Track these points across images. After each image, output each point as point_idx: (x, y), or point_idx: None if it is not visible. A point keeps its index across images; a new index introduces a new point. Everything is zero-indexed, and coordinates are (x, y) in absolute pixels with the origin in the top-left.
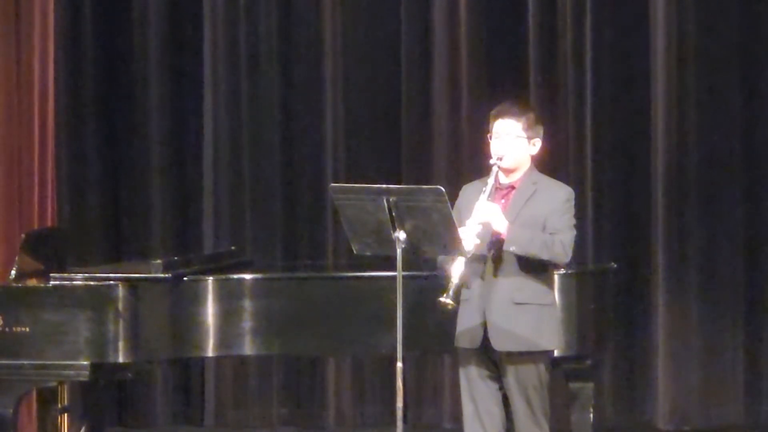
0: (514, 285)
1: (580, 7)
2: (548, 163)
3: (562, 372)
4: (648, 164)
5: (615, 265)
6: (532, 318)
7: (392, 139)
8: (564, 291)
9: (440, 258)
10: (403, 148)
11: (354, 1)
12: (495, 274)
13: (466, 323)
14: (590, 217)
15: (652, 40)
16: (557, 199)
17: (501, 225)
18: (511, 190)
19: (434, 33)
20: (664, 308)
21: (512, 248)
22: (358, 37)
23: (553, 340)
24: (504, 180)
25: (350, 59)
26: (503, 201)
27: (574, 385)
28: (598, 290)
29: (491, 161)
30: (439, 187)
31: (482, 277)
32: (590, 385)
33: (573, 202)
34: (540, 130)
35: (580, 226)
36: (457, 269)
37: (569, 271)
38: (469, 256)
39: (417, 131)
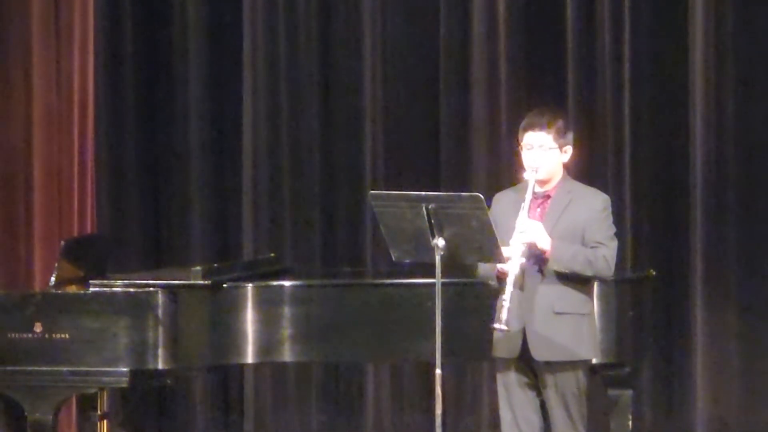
0: (554, 295)
1: (618, 18)
2: (587, 171)
3: (601, 379)
4: (687, 171)
5: (654, 273)
6: (572, 327)
7: (431, 147)
8: (603, 298)
9: (482, 269)
10: (441, 155)
11: (394, 9)
12: (536, 285)
13: (506, 334)
14: (629, 224)
15: (690, 49)
16: (594, 207)
17: (545, 243)
18: (546, 199)
19: (473, 42)
20: (702, 315)
21: (555, 266)
22: (398, 45)
23: (591, 349)
24: (538, 189)
25: (390, 66)
26: (539, 210)
27: (613, 393)
28: (637, 298)
29: (525, 175)
30: (477, 194)
31: (521, 287)
32: (629, 393)
33: (610, 209)
34: (570, 135)
35: (618, 234)
36: (507, 292)
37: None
38: (506, 263)
39: (456, 138)
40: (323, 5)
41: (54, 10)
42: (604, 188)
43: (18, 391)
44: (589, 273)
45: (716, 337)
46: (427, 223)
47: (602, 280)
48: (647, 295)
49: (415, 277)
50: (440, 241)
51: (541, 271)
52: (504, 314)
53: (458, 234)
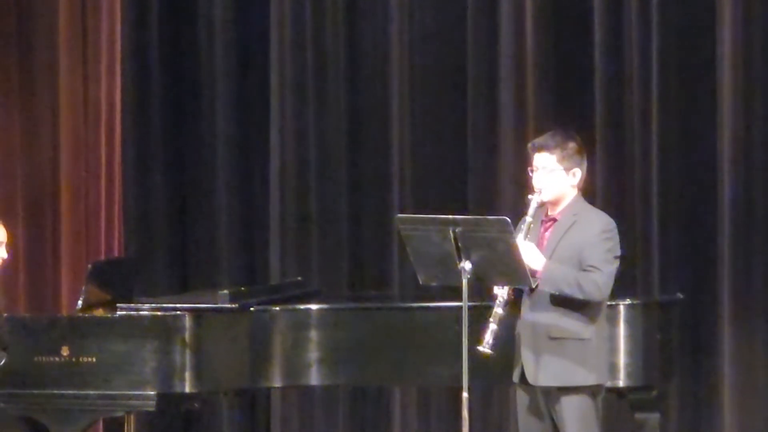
0: (550, 320)
1: (645, 38)
2: (615, 194)
3: (627, 402)
4: (714, 195)
5: (681, 296)
6: (569, 352)
7: (458, 170)
8: (630, 321)
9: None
10: (468, 178)
11: (421, 32)
12: (532, 308)
13: (516, 357)
14: (656, 247)
15: (719, 71)
16: (592, 231)
17: (537, 263)
18: (553, 222)
19: (500, 65)
20: (730, 339)
21: (545, 288)
22: (425, 67)
23: (591, 375)
24: (550, 212)
25: (417, 89)
26: (546, 234)
27: (639, 416)
28: (664, 321)
29: (529, 196)
30: (504, 217)
31: (521, 313)
32: (656, 416)
33: (611, 234)
34: (580, 159)
35: (646, 259)
36: (494, 314)
37: (636, 302)
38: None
39: (483, 161)
40: (350, 32)
41: (81, 34)
42: (631, 211)
43: (45, 414)
44: (579, 296)
45: (744, 360)
46: (454, 247)
47: (596, 304)
48: (675, 318)
49: (442, 301)
50: (467, 265)
51: (535, 294)
52: (488, 336)
53: (485, 257)
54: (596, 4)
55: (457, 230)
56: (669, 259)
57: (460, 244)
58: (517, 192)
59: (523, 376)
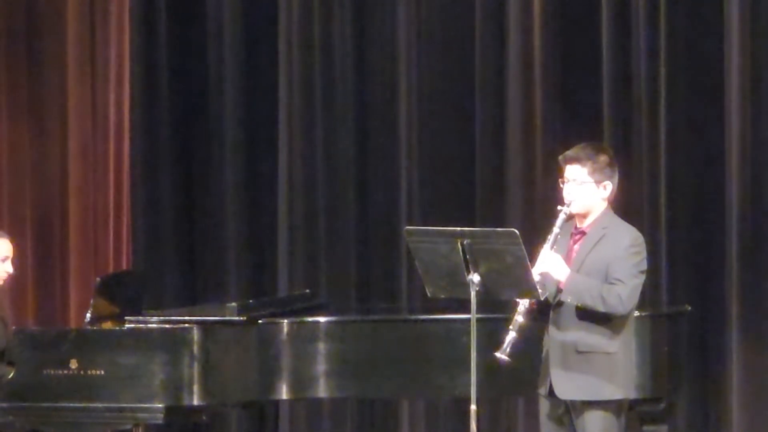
0: (577, 333)
1: (652, 37)
2: (622, 205)
3: (636, 414)
4: (722, 206)
5: (689, 308)
6: (595, 367)
7: (466, 182)
8: (638, 333)
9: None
10: (477, 190)
11: (429, 42)
12: (559, 322)
13: (542, 370)
14: (664, 259)
15: (726, 71)
16: (620, 245)
17: (561, 274)
18: (582, 235)
19: (508, 68)
20: (738, 350)
21: (568, 299)
22: (434, 78)
23: (618, 390)
24: (579, 225)
25: (425, 99)
26: (576, 246)
27: (648, 428)
28: (673, 332)
29: (558, 207)
30: (513, 229)
31: (548, 325)
32: (664, 428)
33: (639, 248)
34: (611, 172)
35: (654, 269)
36: (514, 322)
37: (644, 314)
38: (542, 299)
39: (491, 173)
40: (358, 44)
41: (90, 48)
42: (639, 222)
43: (53, 427)
44: (601, 308)
45: (752, 372)
46: (462, 259)
47: (620, 318)
48: (683, 330)
49: (450, 313)
50: (475, 277)
51: (562, 306)
52: (507, 343)
53: (493, 269)
54: (604, 4)
55: (465, 242)
56: (677, 271)
57: (468, 257)
58: (525, 204)
59: (550, 389)
